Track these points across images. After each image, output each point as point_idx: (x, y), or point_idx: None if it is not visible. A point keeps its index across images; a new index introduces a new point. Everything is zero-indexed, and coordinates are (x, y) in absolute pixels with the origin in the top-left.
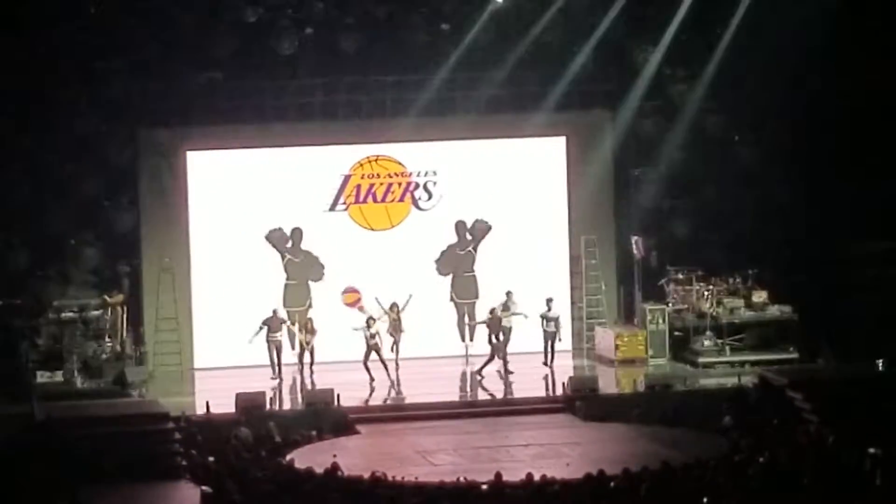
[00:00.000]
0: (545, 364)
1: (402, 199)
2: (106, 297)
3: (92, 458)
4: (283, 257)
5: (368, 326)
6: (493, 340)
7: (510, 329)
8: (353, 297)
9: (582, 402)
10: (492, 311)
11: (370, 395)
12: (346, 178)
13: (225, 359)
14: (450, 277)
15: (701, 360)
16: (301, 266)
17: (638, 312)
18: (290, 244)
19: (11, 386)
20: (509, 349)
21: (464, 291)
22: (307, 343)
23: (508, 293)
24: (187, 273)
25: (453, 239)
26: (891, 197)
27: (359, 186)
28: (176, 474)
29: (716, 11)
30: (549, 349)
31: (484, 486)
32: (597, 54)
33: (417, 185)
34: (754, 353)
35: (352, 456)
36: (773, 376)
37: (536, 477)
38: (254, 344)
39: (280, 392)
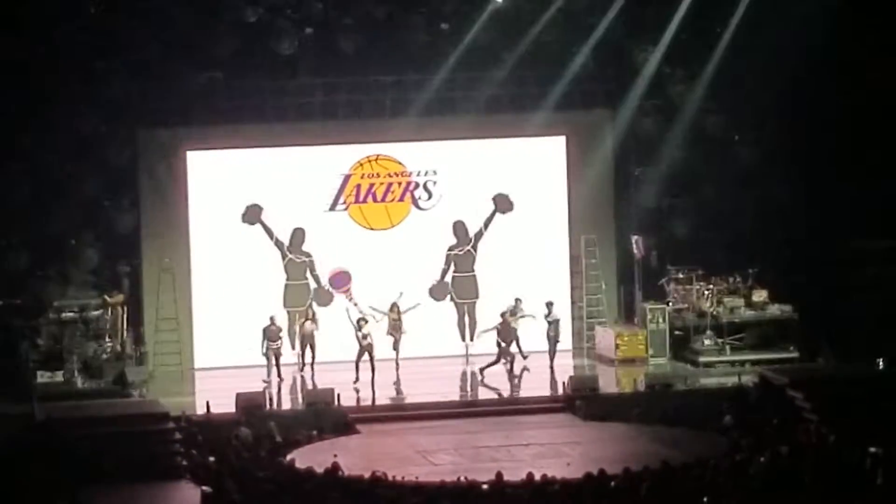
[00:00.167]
0: (550, 368)
1: (402, 199)
2: (106, 297)
3: (92, 458)
4: (283, 257)
5: (360, 328)
6: (502, 344)
7: (516, 330)
8: (339, 274)
9: (582, 401)
10: (502, 316)
11: (355, 394)
12: (346, 178)
13: (225, 359)
14: (450, 277)
15: (701, 359)
16: (302, 266)
17: (638, 312)
18: (288, 243)
19: (12, 386)
20: (516, 349)
21: (464, 291)
22: (309, 333)
23: (517, 300)
24: (187, 273)
25: (453, 240)
26: (891, 196)
27: (359, 186)
28: (176, 474)
29: (716, 11)
30: (550, 353)
31: (484, 486)
32: (596, 54)
33: (417, 185)
34: (754, 353)
35: (352, 456)
36: (773, 375)
37: (537, 476)
38: (257, 349)
39: (280, 392)
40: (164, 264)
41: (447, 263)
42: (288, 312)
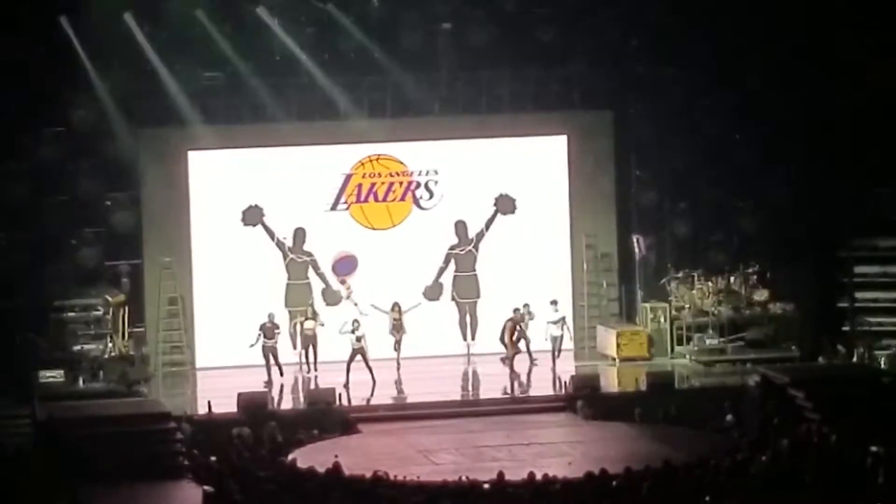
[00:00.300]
0: (552, 369)
1: (403, 199)
2: (107, 296)
3: (93, 457)
4: (285, 257)
5: (354, 330)
6: (506, 340)
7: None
8: (344, 259)
9: (584, 400)
10: (513, 316)
11: (346, 396)
12: (348, 178)
13: (226, 358)
14: (451, 277)
15: (702, 358)
16: (303, 266)
17: (639, 311)
18: (290, 243)
19: (13, 386)
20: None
21: (465, 291)
22: (311, 334)
23: (526, 305)
24: (189, 272)
25: (454, 239)
26: (891, 196)
27: (360, 186)
28: (178, 474)
29: (716, 10)
30: (555, 352)
31: (486, 486)
32: (598, 54)
33: (419, 185)
34: (755, 352)
35: (353, 455)
36: (774, 375)
37: (538, 476)
38: (255, 347)
39: (281, 391)
40: (165, 264)
41: (445, 262)
42: (289, 312)
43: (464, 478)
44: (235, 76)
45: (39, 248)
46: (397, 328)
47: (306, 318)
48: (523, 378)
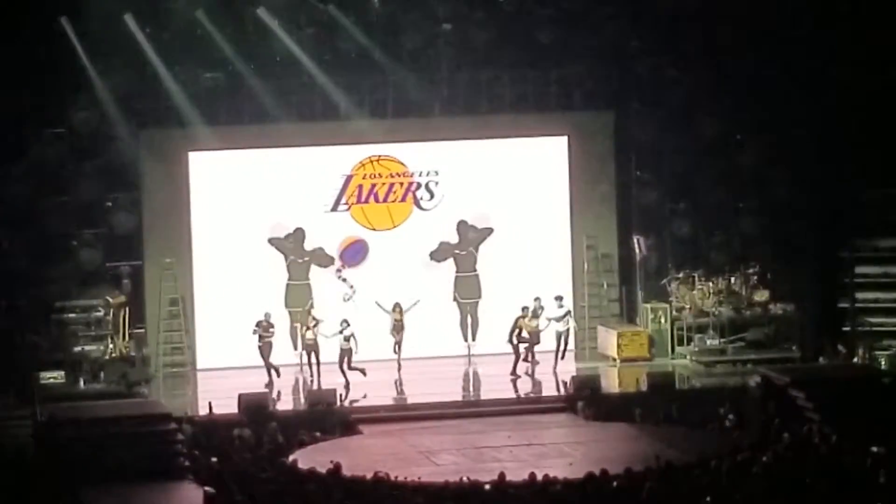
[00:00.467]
0: (554, 367)
1: (403, 199)
2: (108, 297)
3: (94, 458)
4: (286, 258)
5: (342, 331)
6: (513, 341)
7: (537, 334)
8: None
9: (584, 401)
10: (523, 313)
11: (346, 396)
12: (348, 179)
13: (227, 359)
14: (453, 277)
15: (703, 359)
16: (304, 266)
17: (640, 312)
18: (292, 244)
19: (14, 387)
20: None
21: (467, 291)
22: (311, 339)
23: (537, 299)
24: (189, 273)
25: (455, 239)
26: (892, 196)
27: (360, 186)
28: (178, 475)
29: (717, 10)
30: (561, 349)
31: (487, 486)
32: (598, 54)
33: (419, 185)
34: (756, 353)
35: (354, 456)
36: (775, 375)
37: (539, 476)
38: (251, 345)
39: (279, 394)
40: (165, 265)
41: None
42: (290, 313)
43: (465, 478)
44: (236, 77)
45: (40, 248)
46: (398, 329)
47: (307, 328)
48: (524, 379)
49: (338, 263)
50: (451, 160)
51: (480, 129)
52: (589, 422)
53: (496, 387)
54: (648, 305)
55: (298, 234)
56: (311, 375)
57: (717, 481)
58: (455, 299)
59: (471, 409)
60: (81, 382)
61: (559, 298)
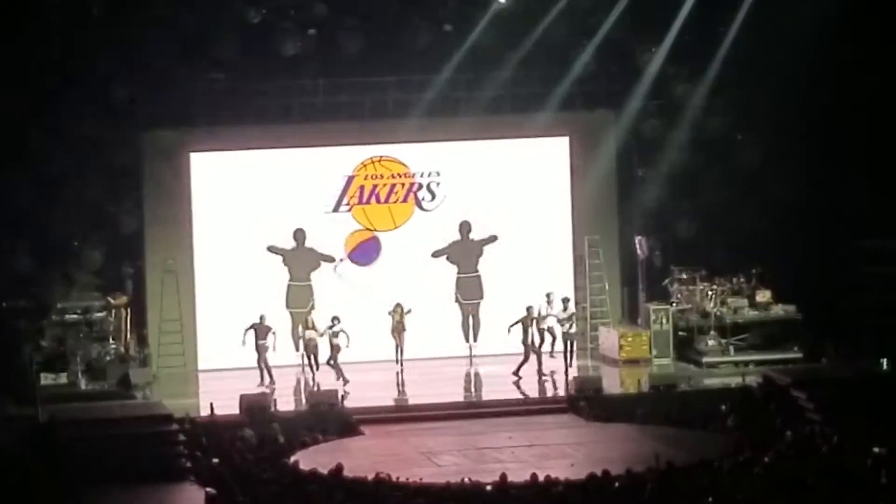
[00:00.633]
0: (565, 370)
1: (405, 200)
2: (110, 298)
3: (96, 460)
4: (284, 259)
5: (332, 326)
6: (528, 341)
7: (547, 330)
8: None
9: (586, 402)
10: (528, 310)
11: (344, 393)
12: (350, 179)
13: (229, 360)
14: (454, 278)
15: (705, 359)
16: (305, 267)
17: (642, 312)
18: (293, 251)
19: (15, 388)
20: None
21: (468, 292)
22: (312, 344)
23: (548, 294)
24: (191, 274)
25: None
26: (893, 195)
27: (362, 187)
28: (180, 476)
29: (719, 10)
30: (568, 352)
31: (488, 487)
32: (600, 54)
33: (421, 186)
34: (758, 353)
35: (356, 457)
36: (777, 376)
37: (541, 477)
38: (247, 347)
39: (276, 395)
40: (167, 266)
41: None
42: (290, 313)
43: (466, 479)
44: (237, 78)
45: (43, 249)
46: (399, 330)
47: (307, 329)
48: (526, 380)
49: (342, 254)
50: (453, 161)
51: (482, 129)
52: (590, 422)
53: (498, 388)
54: (650, 306)
55: (299, 234)
56: (313, 378)
57: (719, 482)
58: (457, 300)
59: (472, 409)
60: (83, 383)
61: (566, 301)
